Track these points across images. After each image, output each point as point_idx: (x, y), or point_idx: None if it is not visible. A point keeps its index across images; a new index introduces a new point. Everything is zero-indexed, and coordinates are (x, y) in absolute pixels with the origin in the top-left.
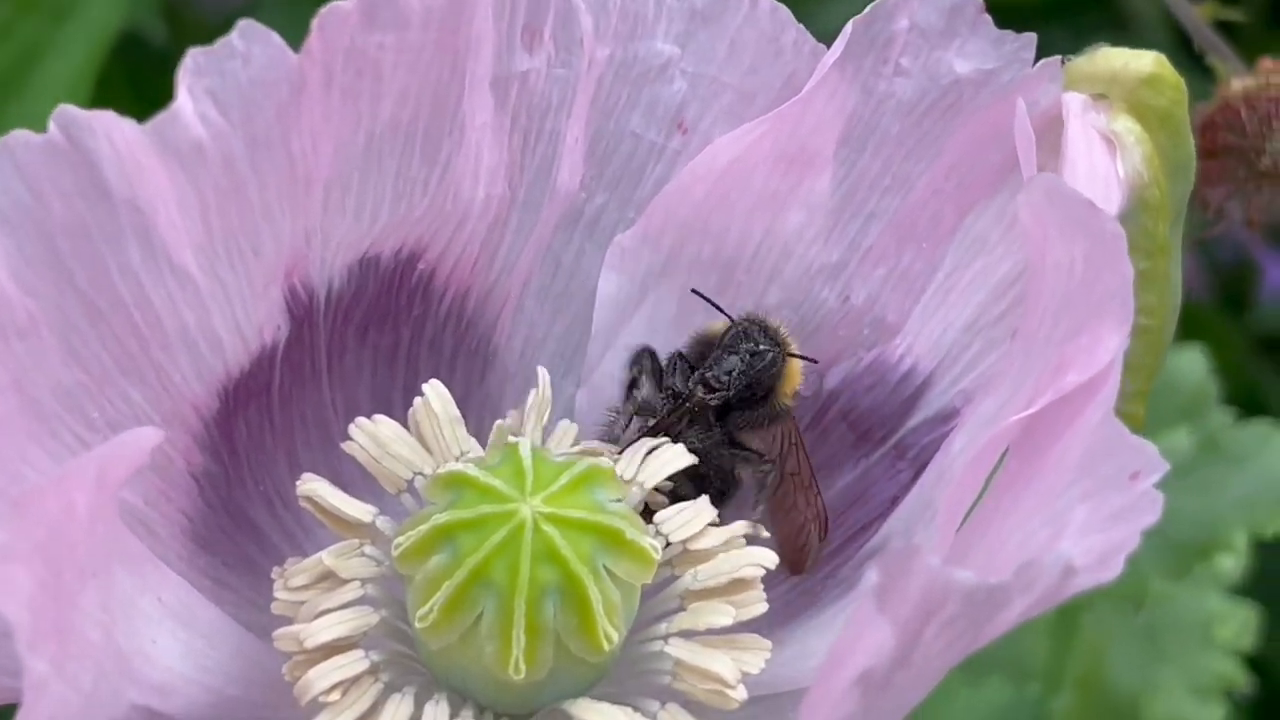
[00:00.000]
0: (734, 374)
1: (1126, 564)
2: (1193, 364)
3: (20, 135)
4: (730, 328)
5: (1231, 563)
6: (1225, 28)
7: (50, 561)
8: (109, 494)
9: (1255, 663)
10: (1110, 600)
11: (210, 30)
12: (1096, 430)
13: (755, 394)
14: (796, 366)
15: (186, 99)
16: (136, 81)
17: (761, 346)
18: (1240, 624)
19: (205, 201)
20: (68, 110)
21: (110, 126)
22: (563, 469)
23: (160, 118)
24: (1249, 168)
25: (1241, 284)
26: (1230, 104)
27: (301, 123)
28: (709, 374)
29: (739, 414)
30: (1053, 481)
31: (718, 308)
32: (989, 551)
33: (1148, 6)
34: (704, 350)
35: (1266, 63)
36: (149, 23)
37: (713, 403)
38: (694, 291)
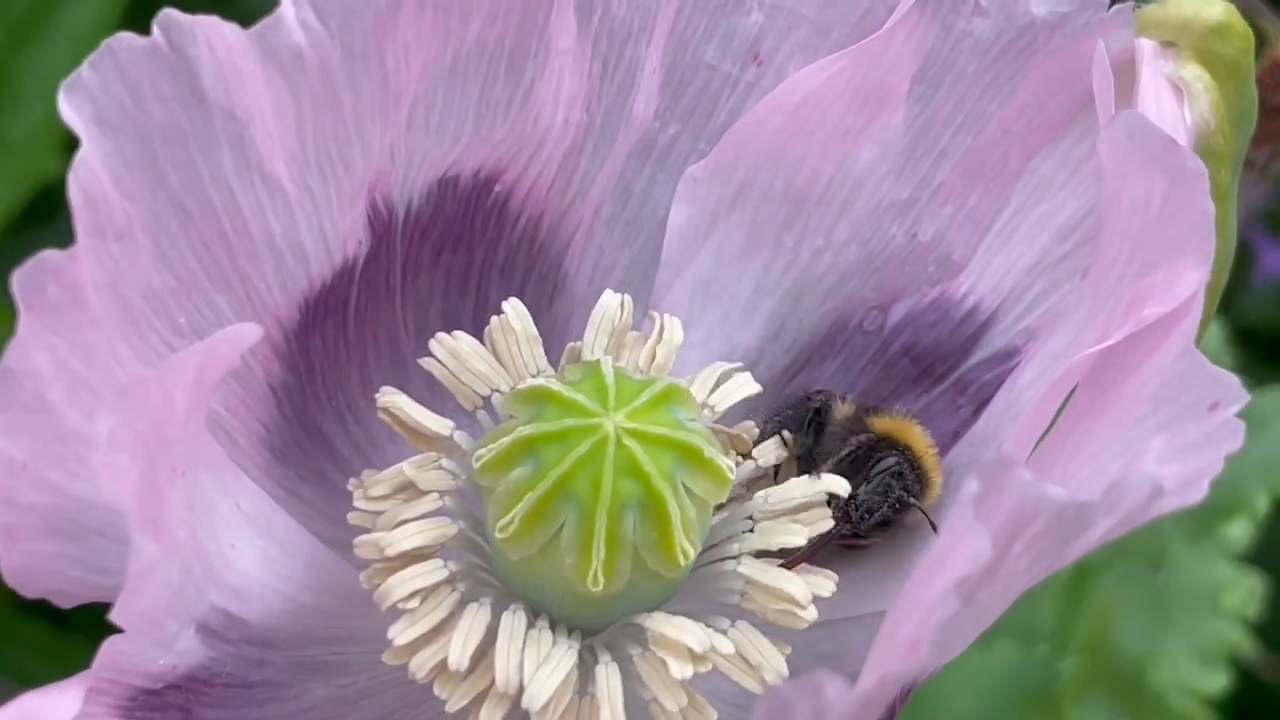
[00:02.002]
0: (874, 514)
1: (1148, 526)
2: (1210, 335)
3: (124, 38)
4: (881, 457)
5: (1240, 531)
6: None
7: (150, 454)
8: (205, 391)
9: (1259, 630)
10: (1129, 560)
11: None
12: (1175, 363)
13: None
14: (936, 485)
15: (289, 6)
16: None
17: (909, 496)
18: (1247, 591)
19: (301, 110)
20: (171, 14)
21: (211, 31)
22: (644, 386)
23: (263, 24)
24: None
25: (1232, 274)
26: (1278, 64)
27: (397, 36)
28: (852, 505)
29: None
30: (1127, 414)
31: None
32: (1059, 482)
33: None
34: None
35: None
36: None
37: (845, 531)
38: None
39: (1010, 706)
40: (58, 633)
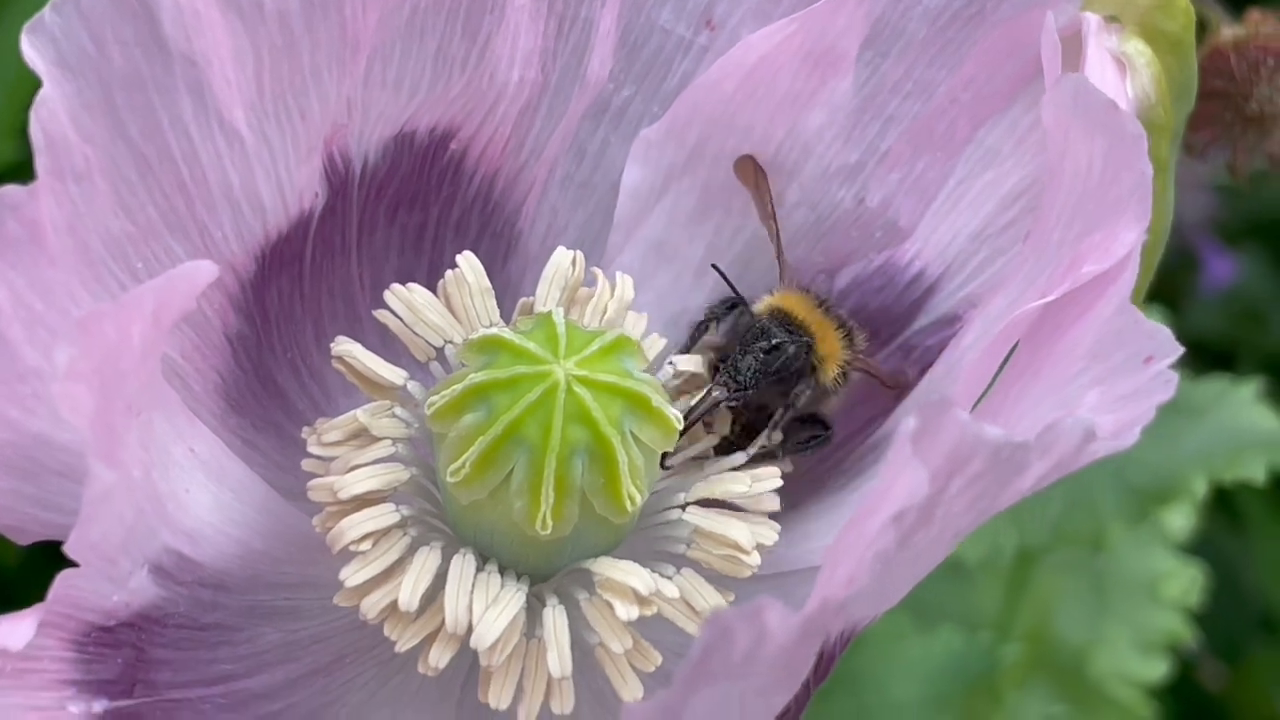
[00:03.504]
0: (750, 373)
1: (1087, 509)
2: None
3: None
4: (751, 324)
5: (1181, 521)
6: None
7: (106, 387)
8: (161, 331)
9: (1199, 619)
10: (1070, 542)
11: None
12: (1111, 319)
13: (789, 382)
14: (832, 344)
15: None
16: None
17: (776, 340)
18: (1187, 582)
19: (260, 57)
20: None
21: None
22: (594, 336)
23: None
24: (1236, 112)
25: (1178, 283)
26: (1220, 51)
27: None
28: (725, 376)
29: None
30: (1064, 369)
31: (736, 293)
32: None
33: None
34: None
35: (1254, 14)
36: None
37: (731, 404)
38: (714, 267)
39: (952, 692)
40: None
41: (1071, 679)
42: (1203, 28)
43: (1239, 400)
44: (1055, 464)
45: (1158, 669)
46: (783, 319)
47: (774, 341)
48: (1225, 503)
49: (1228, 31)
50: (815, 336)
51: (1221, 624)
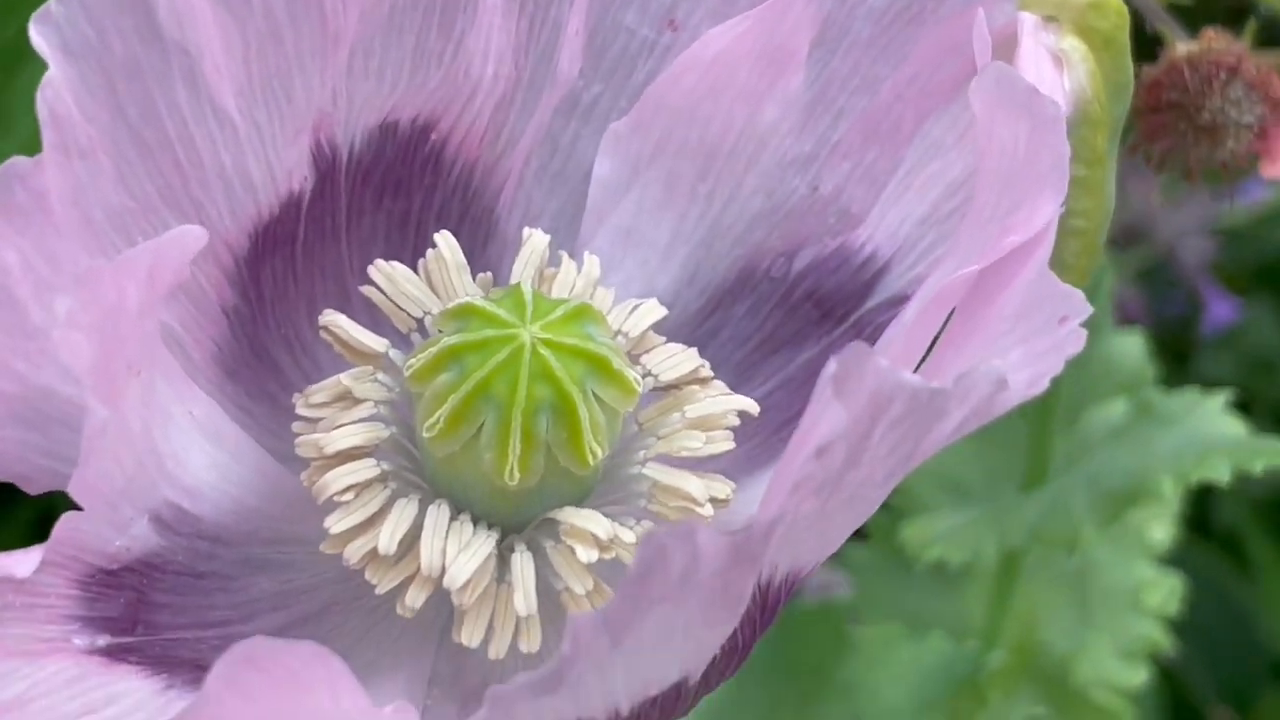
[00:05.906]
0: None
1: (1062, 512)
2: (1132, 346)
3: None
4: None
5: (1161, 534)
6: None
7: (105, 341)
8: (156, 293)
9: (1210, 665)
10: (1047, 544)
11: None
12: (1032, 285)
13: None
14: None
15: None
16: None
17: None
18: (1167, 591)
19: (247, 45)
20: None
21: None
22: (558, 304)
23: None
24: (1190, 123)
25: (1185, 333)
26: (1175, 65)
27: None
28: None
29: None
30: (992, 332)
31: None
32: None
33: None
34: None
35: (1209, 31)
36: None
37: None
38: None
39: (940, 695)
40: None
41: (1056, 686)
42: (1160, 44)
43: (1209, 410)
44: (972, 411)
45: (1139, 675)
46: None
47: None
48: (1237, 548)
49: (1182, 47)
50: None
51: (1232, 670)
